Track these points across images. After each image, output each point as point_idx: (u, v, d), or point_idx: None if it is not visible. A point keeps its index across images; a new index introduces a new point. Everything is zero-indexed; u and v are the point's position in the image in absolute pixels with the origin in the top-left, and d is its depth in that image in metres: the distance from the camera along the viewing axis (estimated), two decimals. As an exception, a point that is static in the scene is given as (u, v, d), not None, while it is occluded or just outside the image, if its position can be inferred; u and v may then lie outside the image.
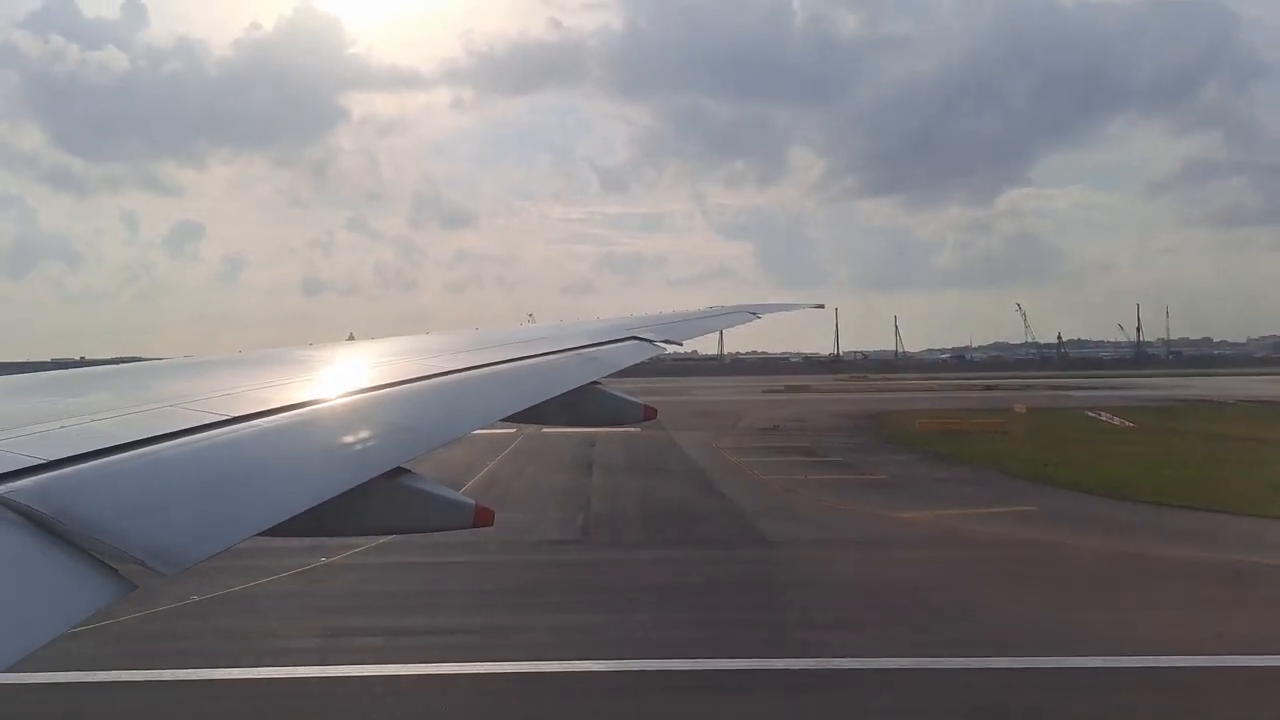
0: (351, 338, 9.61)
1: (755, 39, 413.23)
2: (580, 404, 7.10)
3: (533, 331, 9.95)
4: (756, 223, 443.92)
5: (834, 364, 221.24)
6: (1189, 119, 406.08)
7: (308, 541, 26.37)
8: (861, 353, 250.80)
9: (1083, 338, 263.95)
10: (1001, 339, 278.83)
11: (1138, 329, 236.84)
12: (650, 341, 9.48)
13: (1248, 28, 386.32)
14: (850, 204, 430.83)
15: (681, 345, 10.51)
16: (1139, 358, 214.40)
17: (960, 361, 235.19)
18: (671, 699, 16.51)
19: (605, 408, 7.41)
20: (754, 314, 14.66)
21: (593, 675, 17.16)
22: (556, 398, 6.63)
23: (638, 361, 8.85)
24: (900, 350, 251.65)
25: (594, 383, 7.32)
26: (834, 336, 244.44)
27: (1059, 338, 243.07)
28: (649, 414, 7.73)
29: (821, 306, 21.60)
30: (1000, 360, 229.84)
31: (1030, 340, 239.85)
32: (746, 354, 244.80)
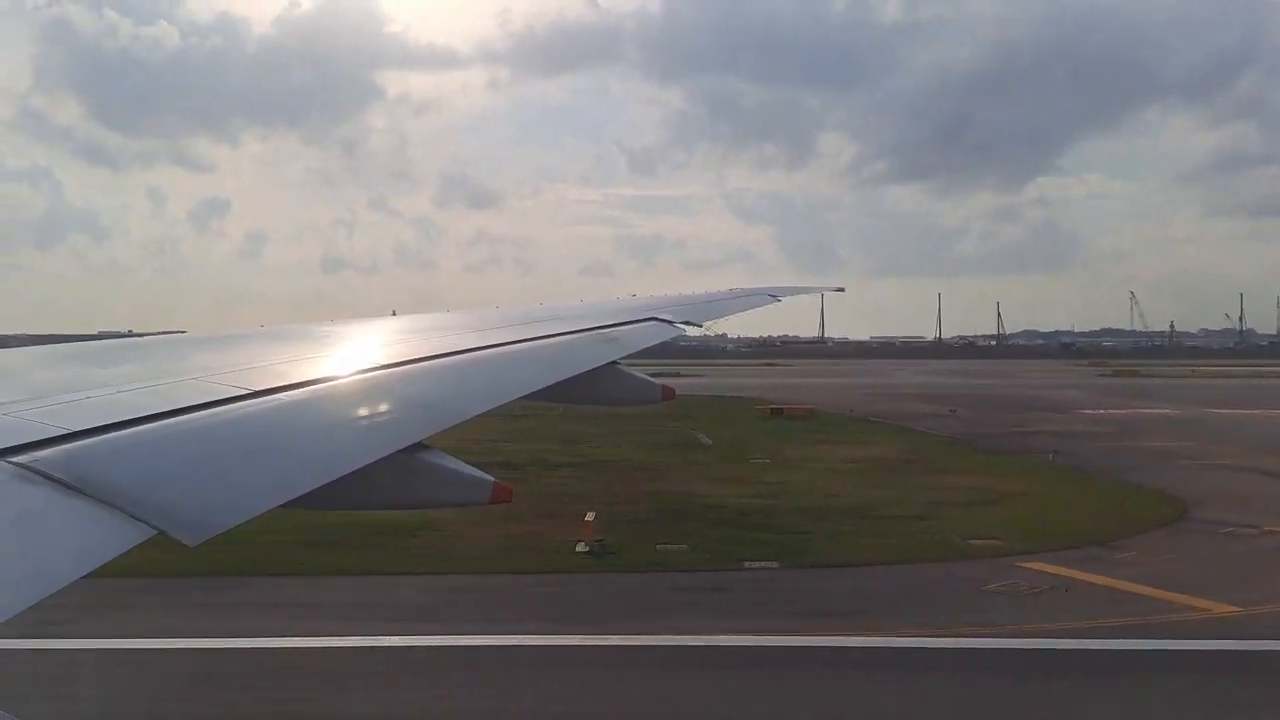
0: (395, 314, 9.78)
1: (791, 22, 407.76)
2: (599, 383, 7.14)
3: (552, 310, 9.97)
4: (783, 206, 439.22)
5: (941, 348, 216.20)
6: (1223, 109, 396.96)
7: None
8: (963, 337, 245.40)
9: (1116, 326, 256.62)
10: (1032, 325, 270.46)
11: (1240, 318, 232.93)
12: (670, 322, 9.49)
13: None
14: (878, 189, 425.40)
15: (701, 326, 10.51)
16: (1247, 348, 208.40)
17: (1066, 349, 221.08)
18: None
19: (624, 388, 7.46)
20: (774, 296, 14.62)
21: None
22: (576, 376, 6.66)
23: (657, 342, 8.87)
24: (1002, 333, 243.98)
25: (613, 362, 7.35)
26: (936, 321, 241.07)
27: (1171, 326, 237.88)
28: (667, 394, 7.76)
29: (842, 290, 21.53)
30: (1097, 347, 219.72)
31: (1142, 328, 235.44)
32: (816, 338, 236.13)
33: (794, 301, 15.89)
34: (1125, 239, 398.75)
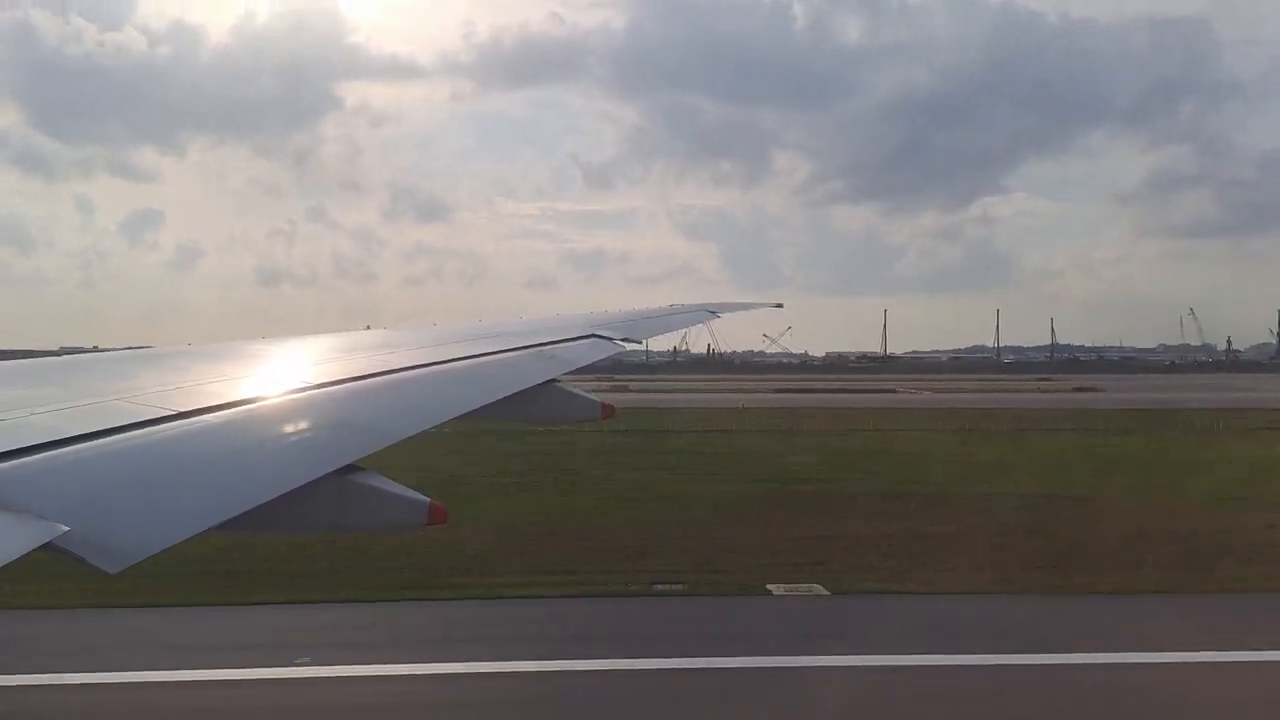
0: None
1: (755, 43, 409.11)
2: (538, 402, 7.09)
3: (490, 328, 9.90)
4: (736, 223, 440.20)
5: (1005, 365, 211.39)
6: (1161, 134, 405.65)
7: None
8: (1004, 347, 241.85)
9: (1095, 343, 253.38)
10: (977, 342, 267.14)
11: (1278, 334, 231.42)
12: (609, 339, 9.47)
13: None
14: (830, 208, 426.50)
15: (640, 343, 10.51)
16: None
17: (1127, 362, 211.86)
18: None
19: (563, 406, 7.41)
20: (714, 313, 14.71)
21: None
22: (513, 395, 6.61)
23: (596, 359, 8.84)
24: (1055, 344, 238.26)
25: (552, 380, 7.31)
26: (995, 334, 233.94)
27: (1228, 343, 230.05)
28: (606, 413, 7.73)
29: (780, 306, 21.72)
30: (1133, 362, 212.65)
31: (1197, 343, 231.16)
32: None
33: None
34: (1073, 257, 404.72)
